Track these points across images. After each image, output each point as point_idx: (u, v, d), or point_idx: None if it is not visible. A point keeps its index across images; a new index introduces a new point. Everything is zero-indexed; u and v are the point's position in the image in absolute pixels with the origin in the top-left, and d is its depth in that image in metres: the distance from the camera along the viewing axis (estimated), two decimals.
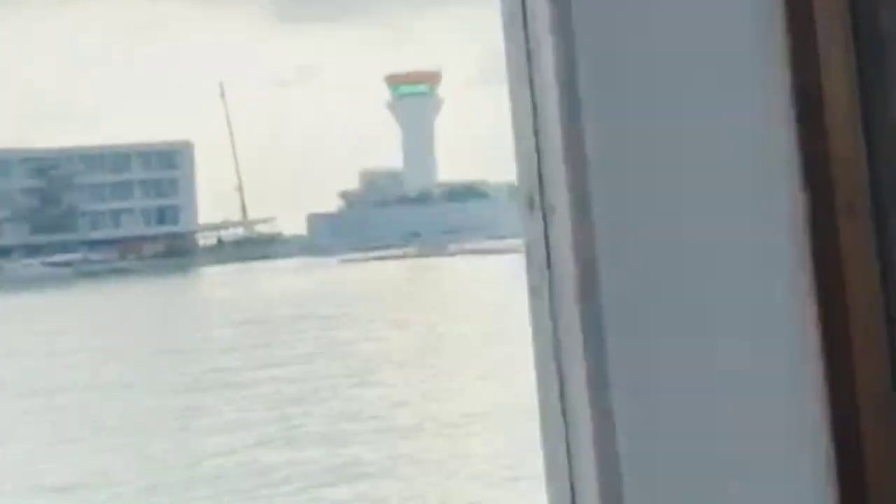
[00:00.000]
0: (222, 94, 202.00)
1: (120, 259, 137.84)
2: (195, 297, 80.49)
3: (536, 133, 1.69)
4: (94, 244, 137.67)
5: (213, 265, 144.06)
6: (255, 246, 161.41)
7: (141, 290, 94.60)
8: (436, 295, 58.76)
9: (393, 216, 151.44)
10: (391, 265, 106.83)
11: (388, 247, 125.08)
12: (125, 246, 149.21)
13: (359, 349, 33.12)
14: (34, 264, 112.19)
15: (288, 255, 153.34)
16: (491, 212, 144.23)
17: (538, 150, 1.69)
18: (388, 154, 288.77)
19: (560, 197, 1.65)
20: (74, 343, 41.73)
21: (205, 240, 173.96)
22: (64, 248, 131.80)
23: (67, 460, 18.77)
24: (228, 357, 33.03)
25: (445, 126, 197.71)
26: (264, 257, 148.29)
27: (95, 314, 63.12)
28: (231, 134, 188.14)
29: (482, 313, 42.89)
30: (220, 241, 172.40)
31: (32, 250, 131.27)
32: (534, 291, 1.72)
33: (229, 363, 31.28)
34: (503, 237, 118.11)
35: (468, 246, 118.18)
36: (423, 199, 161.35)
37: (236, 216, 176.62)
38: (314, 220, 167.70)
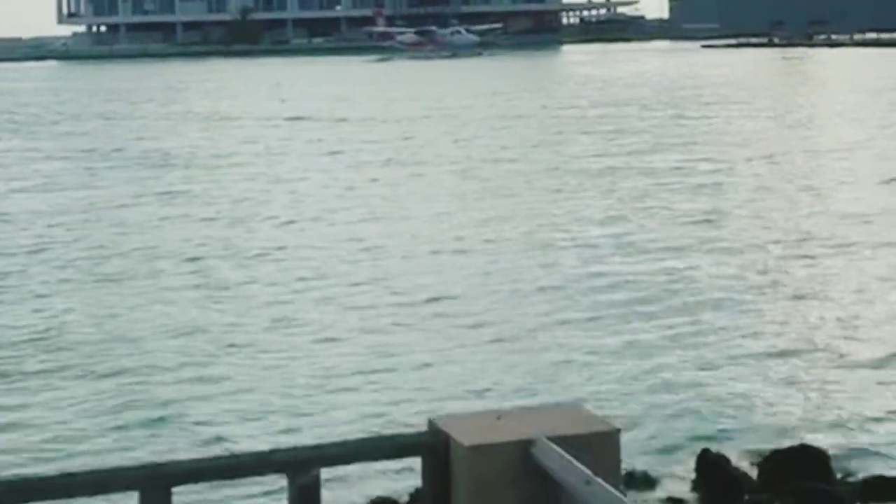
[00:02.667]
0: None
1: (488, 33, 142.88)
2: (563, 74, 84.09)
3: None
4: (464, 17, 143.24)
5: (575, 44, 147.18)
6: (617, 27, 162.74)
7: (513, 64, 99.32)
8: (801, 85, 59.92)
9: (758, 2, 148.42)
10: (753, 53, 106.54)
11: (750, 34, 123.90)
12: (493, 21, 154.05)
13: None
14: (446, 35, 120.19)
15: (649, 37, 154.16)
16: (864, 3, 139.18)
17: None
18: None
19: None
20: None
21: (568, 19, 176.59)
22: (437, 21, 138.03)
23: None
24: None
25: None
26: (626, 39, 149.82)
27: (477, 82, 68.02)
28: None
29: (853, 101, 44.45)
30: (582, 21, 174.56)
31: (411, 22, 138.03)
32: None
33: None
34: (877, 30, 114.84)
35: (836, 37, 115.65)
36: None
37: None
38: (677, 4, 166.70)
